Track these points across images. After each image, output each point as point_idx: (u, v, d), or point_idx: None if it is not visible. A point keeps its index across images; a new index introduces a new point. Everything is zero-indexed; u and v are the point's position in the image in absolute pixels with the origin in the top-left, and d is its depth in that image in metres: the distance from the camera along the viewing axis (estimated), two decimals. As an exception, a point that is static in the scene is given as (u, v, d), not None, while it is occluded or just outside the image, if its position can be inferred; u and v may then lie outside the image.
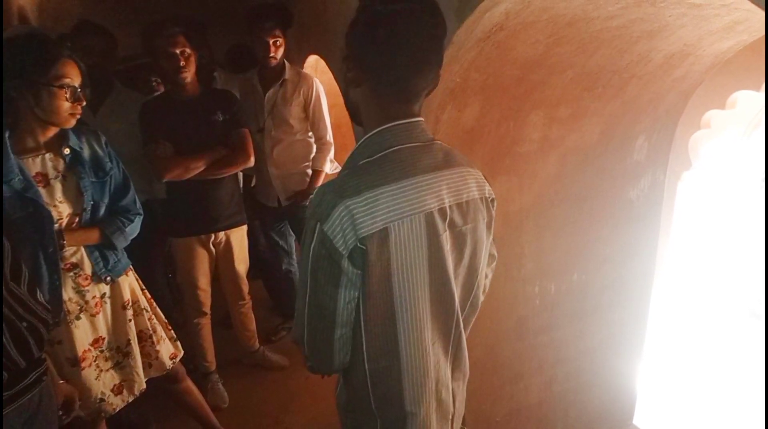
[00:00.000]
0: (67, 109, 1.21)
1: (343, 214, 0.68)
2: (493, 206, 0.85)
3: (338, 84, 0.82)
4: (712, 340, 3.51)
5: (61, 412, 1.11)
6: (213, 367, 2.10)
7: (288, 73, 2.09)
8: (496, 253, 0.96)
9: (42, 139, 1.24)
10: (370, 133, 0.75)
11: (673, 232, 2.67)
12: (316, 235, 0.70)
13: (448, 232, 0.76)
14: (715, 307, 3.85)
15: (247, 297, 2.11)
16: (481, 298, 0.90)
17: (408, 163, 0.72)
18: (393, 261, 0.71)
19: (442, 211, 0.74)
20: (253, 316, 2.18)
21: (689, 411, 2.82)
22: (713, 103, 2.56)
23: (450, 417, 0.86)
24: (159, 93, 2.30)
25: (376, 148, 0.73)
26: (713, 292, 3.88)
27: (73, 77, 1.21)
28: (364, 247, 0.68)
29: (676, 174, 2.60)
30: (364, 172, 0.71)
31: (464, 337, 0.86)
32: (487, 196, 0.83)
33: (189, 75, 1.76)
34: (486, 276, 0.94)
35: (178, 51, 1.70)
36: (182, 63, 1.72)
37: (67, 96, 1.19)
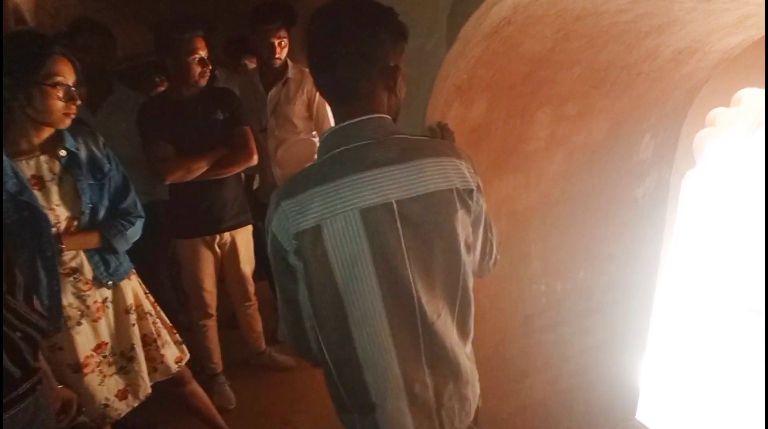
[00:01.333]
0: (61, 109, 1.16)
1: (281, 214, 0.75)
2: (471, 198, 0.81)
3: None
4: (714, 337, 3.51)
5: (61, 417, 1.08)
6: (219, 368, 2.09)
7: (291, 72, 2.07)
8: (492, 241, 0.91)
9: (36, 140, 1.20)
10: (323, 137, 0.80)
11: (677, 230, 2.66)
12: (269, 236, 0.78)
13: (401, 227, 0.75)
14: (718, 304, 3.84)
15: (253, 298, 2.10)
16: (471, 294, 0.87)
17: (348, 162, 0.75)
18: (331, 256, 0.74)
19: (387, 206, 0.74)
20: (259, 317, 2.17)
21: (691, 406, 2.81)
22: (718, 101, 2.55)
23: (433, 413, 0.85)
24: (156, 93, 2.27)
25: (324, 151, 0.78)
26: (716, 290, 3.87)
27: (66, 75, 1.16)
28: (298, 243, 0.74)
29: (681, 172, 2.59)
30: (305, 175, 0.77)
31: (443, 334, 0.83)
32: (461, 187, 0.79)
33: (206, 79, 1.74)
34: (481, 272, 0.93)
35: (201, 55, 1.68)
36: (203, 67, 1.70)
37: (60, 95, 1.15)
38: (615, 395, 2.02)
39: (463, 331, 0.87)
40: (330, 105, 0.82)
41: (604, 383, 1.97)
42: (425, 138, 0.84)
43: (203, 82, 1.73)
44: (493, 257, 0.93)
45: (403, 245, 0.76)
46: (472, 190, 0.81)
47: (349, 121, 0.77)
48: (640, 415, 2.10)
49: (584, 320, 1.84)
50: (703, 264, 3.71)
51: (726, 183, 3.37)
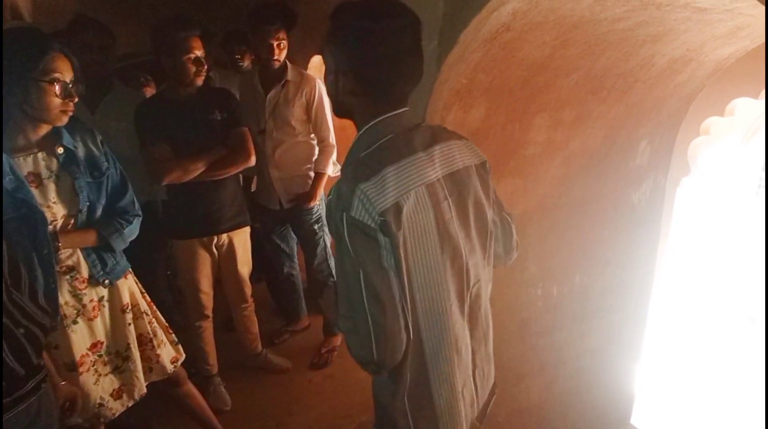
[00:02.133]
0: (58, 106, 1.15)
1: (361, 197, 0.76)
2: (485, 170, 0.93)
3: (328, 90, 0.85)
4: (708, 343, 3.53)
5: (66, 414, 1.08)
6: (215, 370, 2.08)
7: (290, 74, 2.07)
8: (509, 219, 1.01)
9: (33, 137, 1.19)
10: (364, 129, 0.84)
11: (672, 237, 2.69)
12: (345, 223, 0.77)
13: (449, 199, 0.84)
14: (712, 310, 3.87)
15: (250, 300, 2.09)
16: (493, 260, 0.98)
17: (402, 146, 0.82)
18: (406, 230, 0.78)
19: (439, 182, 0.84)
20: (255, 318, 2.16)
21: (686, 411, 2.83)
22: (713, 110, 2.59)
23: (471, 372, 0.93)
24: (154, 93, 2.24)
25: (373, 140, 0.82)
26: (710, 296, 3.90)
27: (64, 72, 1.15)
28: (385, 219, 0.76)
29: (675, 179, 2.62)
30: (368, 160, 0.80)
31: (481, 297, 0.93)
32: (476, 162, 0.91)
33: (202, 78, 1.73)
34: (508, 249, 1.01)
35: (197, 54, 1.67)
36: (198, 67, 1.69)
37: (57, 92, 1.13)
38: (610, 399, 2.03)
39: (488, 298, 0.97)
40: (370, 106, 0.83)
41: (600, 387, 1.97)
42: (435, 125, 0.93)
43: (199, 81, 1.72)
44: (514, 239, 1.02)
45: (453, 215, 0.85)
46: (484, 162, 0.93)
47: (391, 113, 0.83)
48: (635, 420, 2.11)
49: (580, 324, 1.85)
50: (697, 270, 3.74)
51: (720, 191, 3.41)
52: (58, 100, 1.15)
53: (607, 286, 1.84)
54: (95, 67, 1.77)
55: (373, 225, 0.76)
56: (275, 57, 2.00)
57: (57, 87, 1.14)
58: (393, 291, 0.78)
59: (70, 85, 1.17)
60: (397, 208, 0.77)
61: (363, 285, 0.77)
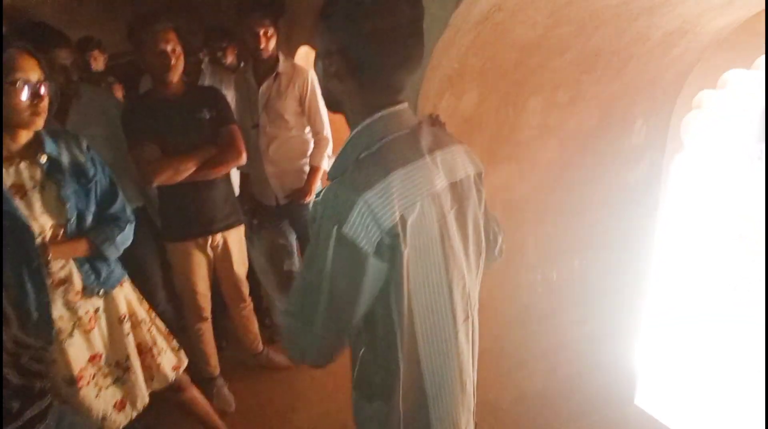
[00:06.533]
0: (26, 108, 1.10)
1: (363, 210, 0.66)
2: (481, 181, 0.85)
3: (317, 75, 0.77)
4: (705, 321, 3.57)
5: None
6: (217, 371, 2.07)
7: (282, 66, 2.03)
8: (498, 231, 0.94)
9: (14, 146, 1.14)
10: (361, 126, 0.73)
11: (667, 213, 2.69)
12: (334, 238, 0.67)
13: (453, 211, 0.76)
14: (707, 289, 3.91)
15: (248, 299, 2.07)
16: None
17: (406, 148, 0.72)
18: (409, 248, 0.69)
19: (445, 191, 0.75)
20: (255, 318, 2.14)
21: (689, 390, 2.86)
22: (705, 83, 2.57)
23: (472, 408, 0.86)
24: (141, 94, 2.20)
25: (372, 140, 0.72)
26: (705, 274, 3.93)
27: (28, 71, 1.09)
28: (389, 238, 0.67)
29: (669, 156, 2.61)
30: (370, 163, 0.70)
31: (477, 320, 0.85)
32: (476, 171, 0.84)
33: (177, 74, 1.69)
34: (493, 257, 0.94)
35: (168, 48, 1.62)
36: (172, 61, 1.64)
37: (23, 93, 1.08)
38: (613, 381, 2.04)
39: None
40: (360, 95, 0.74)
41: (602, 370, 1.98)
42: (435, 127, 0.85)
43: (173, 77, 1.67)
44: (498, 244, 0.95)
45: (455, 229, 0.76)
46: (481, 173, 0.85)
47: (390, 110, 0.73)
48: (639, 400, 2.13)
49: (581, 308, 1.84)
50: (693, 248, 3.77)
51: (713, 166, 3.41)
52: (25, 102, 1.09)
53: (606, 268, 1.83)
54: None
55: (367, 248, 0.66)
56: (262, 46, 1.95)
57: (22, 88, 1.08)
58: (355, 315, 0.70)
59: (38, 85, 1.10)
60: (402, 224, 0.68)
61: (326, 302, 0.69)
